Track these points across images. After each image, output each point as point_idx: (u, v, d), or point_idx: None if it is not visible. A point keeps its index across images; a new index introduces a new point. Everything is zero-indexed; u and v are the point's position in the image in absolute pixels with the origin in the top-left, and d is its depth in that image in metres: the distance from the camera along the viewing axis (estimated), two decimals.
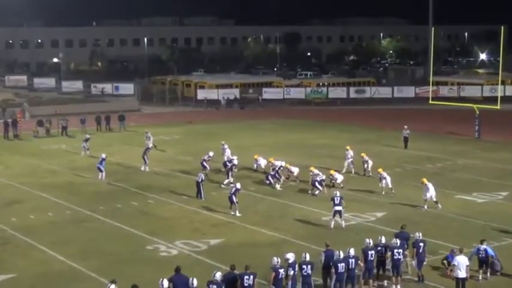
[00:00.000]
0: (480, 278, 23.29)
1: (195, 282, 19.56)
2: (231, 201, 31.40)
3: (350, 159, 40.22)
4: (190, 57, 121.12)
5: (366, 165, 39.57)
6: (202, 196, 34.24)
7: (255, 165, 41.01)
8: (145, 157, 41.58)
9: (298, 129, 59.83)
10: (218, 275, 19.83)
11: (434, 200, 32.13)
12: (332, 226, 29.07)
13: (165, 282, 19.43)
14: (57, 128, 56.18)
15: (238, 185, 32.23)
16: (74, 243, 27.61)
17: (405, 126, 49.19)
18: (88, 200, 34.62)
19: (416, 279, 23.23)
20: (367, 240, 22.81)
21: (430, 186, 32.07)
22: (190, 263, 24.52)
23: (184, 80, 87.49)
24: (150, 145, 44.65)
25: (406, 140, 48.71)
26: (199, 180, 34.49)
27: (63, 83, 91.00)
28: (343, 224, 29.31)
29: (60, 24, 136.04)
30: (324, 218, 30.63)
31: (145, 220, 30.98)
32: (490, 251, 23.61)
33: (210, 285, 19.63)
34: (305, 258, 21.38)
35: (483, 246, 23.46)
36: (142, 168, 41.40)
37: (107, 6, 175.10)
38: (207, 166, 39.48)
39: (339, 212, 29.09)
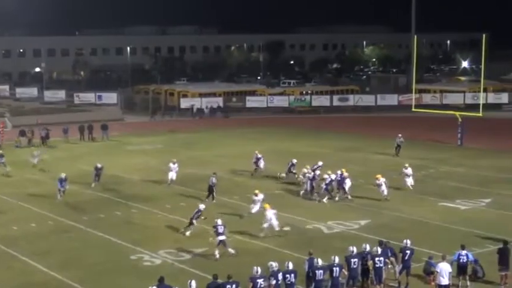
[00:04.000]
0: (460, 284, 23.26)
1: None
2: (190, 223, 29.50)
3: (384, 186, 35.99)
4: (173, 66, 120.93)
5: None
6: (214, 198, 35.37)
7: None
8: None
9: (283, 137, 59.72)
10: (193, 284, 19.82)
11: (386, 195, 34.95)
12: (218, 256, 26.21)
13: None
14: (38, 138, 55.83)
15: (201, 206, 29.91)
16: (56, 254, 27.43)
17: (399, 135, 49.09)
18: (71, 210, 34.41)
19: (397, 285, 23.30)
20: (351, 248, 22.80)
21: (383, 182, 35.10)
22: (174, 272, 24.45)
23: (167, 88, 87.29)
24: (35, 161, 45.33)
25: (398, 147, 48.77)
26: (211, 184, 35.66)
27: (45, 93, 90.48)
28: (232, 251, 26.63)
29: (42, 33, 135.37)
30: (308, 226, 30.74)
31: (128, 230, 30.84)
32: (471, 257, 23.69)
33: None
34: (288, 266, 21.39)
35: (464, 252, 23.52)
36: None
37: (89, 15, 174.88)
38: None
39: (223, 241, 26.40)
